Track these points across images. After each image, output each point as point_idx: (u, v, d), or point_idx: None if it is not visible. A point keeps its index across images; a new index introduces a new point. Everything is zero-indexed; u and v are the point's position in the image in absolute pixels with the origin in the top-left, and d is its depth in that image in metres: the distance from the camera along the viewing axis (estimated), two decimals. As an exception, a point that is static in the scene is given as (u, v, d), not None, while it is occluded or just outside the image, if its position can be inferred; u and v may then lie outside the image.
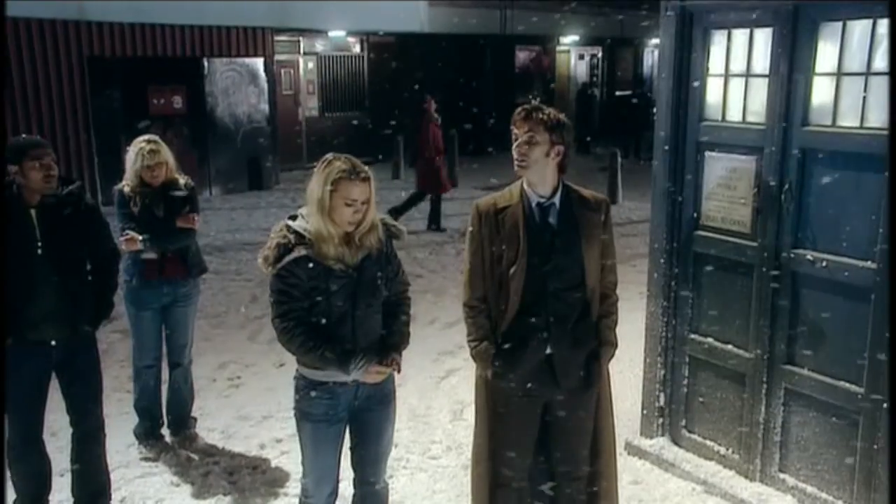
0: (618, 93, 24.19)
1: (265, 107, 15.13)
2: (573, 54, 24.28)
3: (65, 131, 12.66)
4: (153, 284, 4.66)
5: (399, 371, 3.23)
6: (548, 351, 3.27)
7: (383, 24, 17.17)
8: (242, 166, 14.82)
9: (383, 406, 3.29)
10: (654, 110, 4.43)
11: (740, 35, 4.01)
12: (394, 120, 16.48)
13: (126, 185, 4.60)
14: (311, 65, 18.01)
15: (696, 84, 4.20)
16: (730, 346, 4.24)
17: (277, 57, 16.40)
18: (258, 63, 15.02)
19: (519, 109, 3.20)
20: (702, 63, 4.18)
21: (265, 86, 15.06)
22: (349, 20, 16.50)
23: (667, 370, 4.56)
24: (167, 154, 4.66)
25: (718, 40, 4.12)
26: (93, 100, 12.86)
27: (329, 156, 3.09)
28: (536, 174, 3.20)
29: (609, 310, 3.37)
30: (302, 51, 17.67)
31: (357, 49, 18.86)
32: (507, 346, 3.29)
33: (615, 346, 3.39)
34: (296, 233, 3.08)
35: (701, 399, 4.44)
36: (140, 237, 4.50)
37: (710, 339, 4.34)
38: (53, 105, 12.50)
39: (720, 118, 4.17)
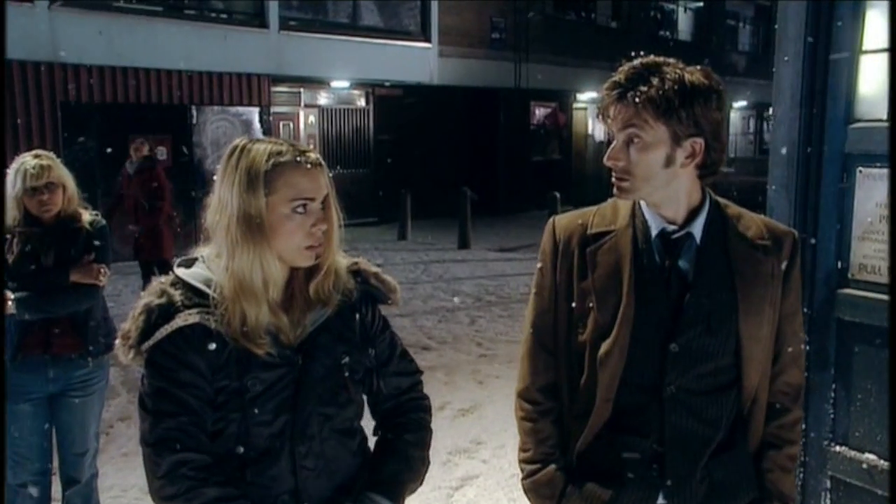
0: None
1: (260, 160, 13.92)
2: (591, 111, 23.16)
3: (32, 183, 11.37)
4: (34, 365, 3.21)
5: None
6: (660, 501, 1.80)
7: (390, 75, 16.06)
8: (234, 225, 13.51)
9: None
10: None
11: (920, -16, 2.61)
12: (401, 177, 15.33)
13: (-1, 220, 3.19)
14: (312, 118, 16.85)
15: (840, 65, 2.80)
16: (907, 468, 2.73)
17: (276, 108, 15.25)
18: (253, 113, 13.92)
19: (609, 82, 1.73)
20: (852, 34, 2.78)
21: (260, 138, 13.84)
22: (353, 69, 15.38)
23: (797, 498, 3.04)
24: (64, 175, 3.28)
25: (879, -2, 2.73)
26: (66, 149, 11.58)
27: (240, 141, 1.70)
28: (656, 193, 1.76)
29: (785, 436, 1.90)
30: (303, 103, 16.54)
31: (362, 102, 17.72)
32: (587, 478, 1.85)
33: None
34: (187, 287, 1.65)
35: (854, 546, 2.91)
36: (12, 295, 3.06)
37: (868, 455, 2.83)
38: (20, 153, 11.21)
39: (883, 116, 2.75)
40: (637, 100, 1.67)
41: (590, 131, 23.26)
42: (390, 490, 1.75)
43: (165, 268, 7.22)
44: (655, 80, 1.67)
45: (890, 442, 2.56)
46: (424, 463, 1.88)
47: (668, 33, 25.72)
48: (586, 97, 22.16)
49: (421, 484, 1.88)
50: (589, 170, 22.78)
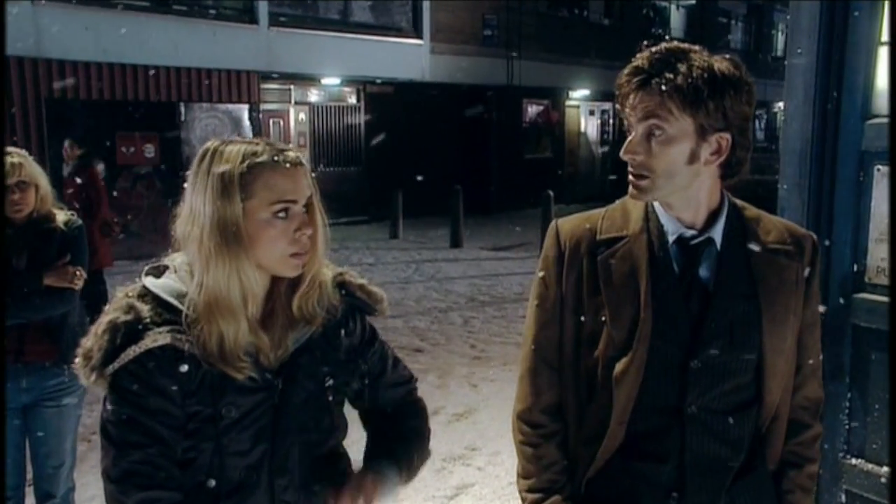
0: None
1: (249, 158, 13.74)
2: (583, 109, 23.03)
3: (17, 181, 11.15)
4: (8, 373, 3.04)
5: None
6: None
7: (381, 72, 15.90)
8: (223, 223, 13.32)
9: None
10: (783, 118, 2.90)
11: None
12: (393, 175, 15.17)
13: (-32, 221, 3.02)
14: (302, 116, 16.66)
15: (857, 58, 2.66)
16: (928, 484, 2.59)
17: (266, 106, 15.09)
18: (243, 110, 13.72)
19: (630, 67, 1.57)
20: (869, 25, 2.65)
21: (250, 135, 13.59)
22: (344, 66, 15.22)
23: (808, 514, 2.90)
24: (36, 173, 3.11)
25: (898, -13, 2.59)
26: (51, 147, 11.35)
27: (212, 143, 1.53)
28: (676, 193, 1.61)
29: (805, 453, 1.76)
30: (293, 100, 16.35)
31: (353, 100, 17.52)
32: None
33: None
34: (158, 301, 1.48)
35: (871, 565, 2.77)
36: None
37: (886, 469, 2.70)
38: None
39: (903, 111, 2.61)
40: (664, 88, 1.51)
41: (582, 129, 23.15)
42: (390, 459, 1.64)
43: (99, 278, 6.72)
44: (683, 67, 1.52)
45: (890, 446, 2.47)
46: (424, 452, 1.76)
47: (660, 31, 25.63)
48: (579, 95, 22.04)
49: (419, 466, 1.74)
50: (582, 168, 22.67)
